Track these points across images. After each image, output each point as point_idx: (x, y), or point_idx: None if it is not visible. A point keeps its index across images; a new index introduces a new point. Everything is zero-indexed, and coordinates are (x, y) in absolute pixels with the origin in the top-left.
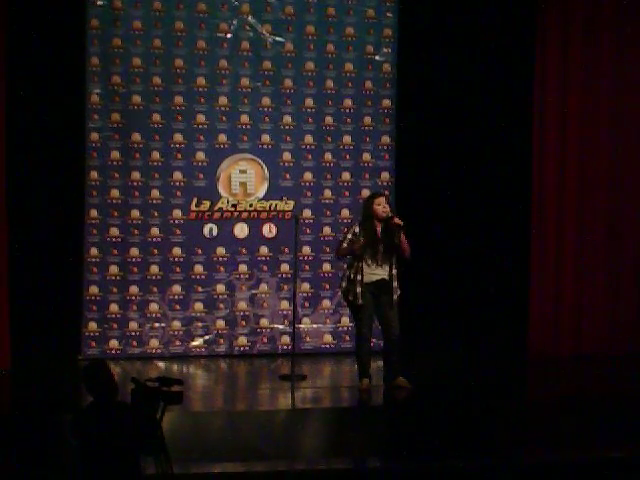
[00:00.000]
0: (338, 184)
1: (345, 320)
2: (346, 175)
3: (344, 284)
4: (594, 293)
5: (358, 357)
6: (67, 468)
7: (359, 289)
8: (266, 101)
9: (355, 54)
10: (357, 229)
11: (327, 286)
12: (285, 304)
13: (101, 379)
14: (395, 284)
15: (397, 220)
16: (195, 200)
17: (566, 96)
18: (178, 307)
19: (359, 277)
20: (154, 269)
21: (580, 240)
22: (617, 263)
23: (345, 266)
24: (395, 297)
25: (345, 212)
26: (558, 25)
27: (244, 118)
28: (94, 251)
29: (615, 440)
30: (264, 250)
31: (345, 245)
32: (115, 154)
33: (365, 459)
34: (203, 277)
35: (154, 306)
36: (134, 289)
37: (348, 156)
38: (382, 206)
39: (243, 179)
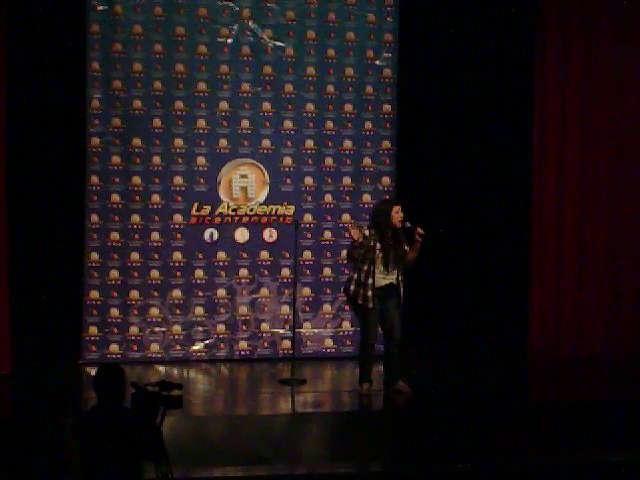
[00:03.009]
0: (339, 189)
1: (346, 324)
2: (347, 180)
3: (352, 287)
4: (594, 295)
5: (361, 361)
6: (68, 472)
7: (370, 293)
8: (267, 106)
9: (356, 59)
10: (367, 232)
11: (328, 291)
12: (286, 308)
13: (114, 384)
14: (401, 289)
15: (420, 230)
16: (196, 205)
17: (566, 97)
18: (179, 311)
19: (370, 281)
20: (155, 274)
21: (580, 241)
22: (617, 264)
23: (351, 270)
24: (401, 301)
25: (346, 217)
26: (558, 26)
27: (245, 123)
28: (95, 256)
29: (615, 443)
30: (265, 255)
31: (362, 251)
32: (116, 159)
33: (366, 463)
34: (204, 282)
35: (155, 310)
36: (135, 293)
37: (349, 161)
38: (400, 214)
39: (244, 184)
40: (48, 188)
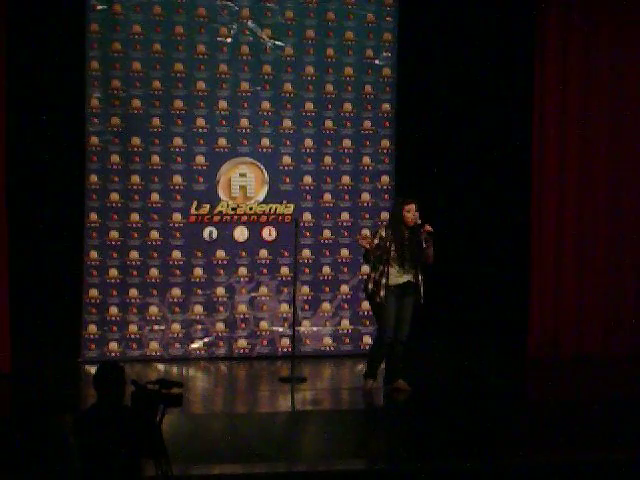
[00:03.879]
0: (338, 188)
1: (345, 323)
2: (346, 179)
3: (370, 286)
4: (594, 294)
5: (372, 356)
6: (67, 470)
7: (383, 292)
8: (266, 105)
9: (355, 58)
10: (383, 233)
11: (327, 289)
12: (285, 307)
13: (114, 382)
14: (421, 288)
15: (428, 227)
16: (195, 203)
17: (566, 97)
18: (178, 310)
19: (384, 280)
20: (154, 272)
21: (580, 241)
22: (617, 264)
23: (369, 268)
24: (421, 300)
25: (345, 215)
26: (558, 26)
27: (244, 122)
28: (94, 254)
29: (615, 442)
30: (264, 253)
31: (378, 253)
32: (115, 158)
33: (365, 461)
34: (203, 280)
35: (154, 309)
36: (134, 292)
37: (348, 160)
38: (412, 213)
39: (243, 183)
40: (47, 187)
